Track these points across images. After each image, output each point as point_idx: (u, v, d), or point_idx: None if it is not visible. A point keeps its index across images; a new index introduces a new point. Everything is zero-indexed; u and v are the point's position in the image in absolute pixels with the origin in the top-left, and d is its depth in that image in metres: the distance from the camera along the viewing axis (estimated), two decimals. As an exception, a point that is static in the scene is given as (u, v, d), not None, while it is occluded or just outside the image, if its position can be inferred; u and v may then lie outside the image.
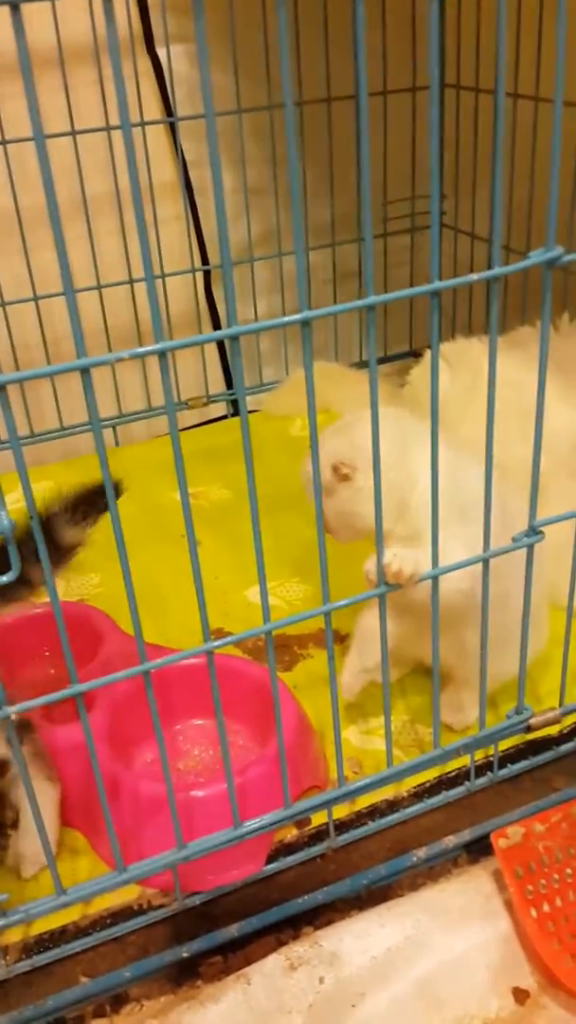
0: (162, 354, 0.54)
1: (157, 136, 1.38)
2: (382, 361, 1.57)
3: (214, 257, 1.45)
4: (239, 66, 1.33)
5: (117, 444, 1.48)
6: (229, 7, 1.29)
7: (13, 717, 0.62)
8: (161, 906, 0.77)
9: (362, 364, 1.55)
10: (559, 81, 0.58)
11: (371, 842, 0.83)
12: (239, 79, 1.34)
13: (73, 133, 1.28)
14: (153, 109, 1.36)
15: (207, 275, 1.47)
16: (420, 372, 1.20)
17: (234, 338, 0.56)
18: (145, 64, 1.34)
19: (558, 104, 0.59)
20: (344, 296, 1.55)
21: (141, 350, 0.54)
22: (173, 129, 1.36)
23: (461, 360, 1.17)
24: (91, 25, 1.25)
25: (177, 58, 1.33)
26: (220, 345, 1.53)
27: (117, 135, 1.30)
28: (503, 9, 0.55)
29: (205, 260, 1.46)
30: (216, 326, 1.52)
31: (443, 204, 1.45)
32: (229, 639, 0.67)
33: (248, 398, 1.53)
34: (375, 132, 1.42)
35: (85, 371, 0.52)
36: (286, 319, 0.57)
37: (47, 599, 0.62)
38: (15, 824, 0.78)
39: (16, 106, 1.24)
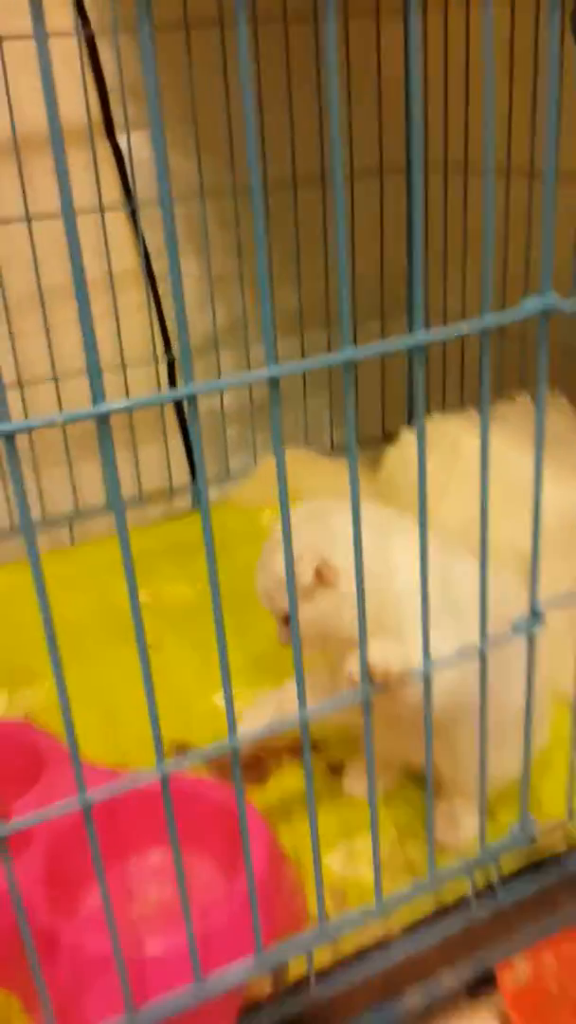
0: (103, 418, 0.46)
1: (118, 224, 1.33)
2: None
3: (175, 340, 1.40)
4: (201, 150, 1.30)
5: (72, 542, 1.39)
6: (190, 89, 1.26)
7: None
8: None
9: (334, 450, 1.48)
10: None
11: (352, 986, 0.71)
12: (202, 164, 1.31)
13: (28, 219, 1.23)
14: (114, 196, 1.32)
15: (171, 368, 1.41)
16: (396, 455, 1.13)
17: (191, 399, 0.48)
18: (105, 151, 1.30)
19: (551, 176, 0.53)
20: (313, 386, 1.49)
21: (76, 413, 0.46)
22: (134, 216, 1.32)
23: (438, 438, 1.10)
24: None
25: (138, 145, 1.30)
26: (185, 435, 1.46)
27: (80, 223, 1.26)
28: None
29: (168, 351, 1.40)
30: (182, 422, 1.45)
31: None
32: (186, 759, 0.57)
33: (214, 489, 1.45)
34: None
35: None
36: (252, 374, 0.49)
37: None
38: None
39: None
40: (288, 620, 0.75)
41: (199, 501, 0.52)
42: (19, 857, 0.72)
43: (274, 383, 0.50)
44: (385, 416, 1.54)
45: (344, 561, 0.72)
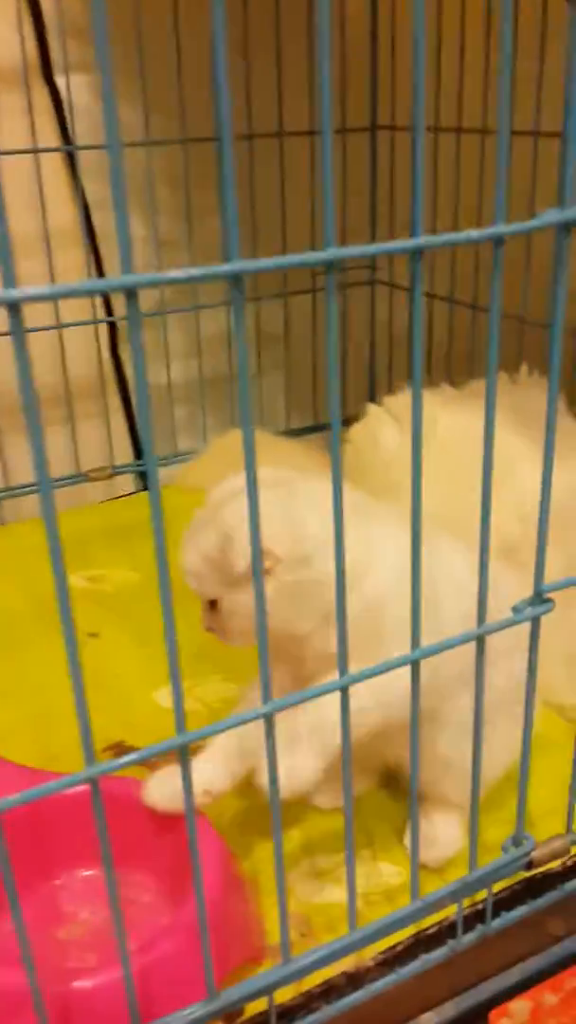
0: (14, 307, 0.35)
1: (55, 175, 1.21)
2: (312, 430, 1.40)
3: (120, 310, 1.28)
4: (149, 101, 1.19)
5: (2, 522, 1.26)
6: (136, 31, 1.15)
7: None
8: None
9: (290, 432, 1.38)
10: None
11: (323, 1026, 0.60)
12: (149, 115, 1.20)
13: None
14: (51, 142, 1.20)
15: (112, 332, 1.30)
16: (363, 430, 1.03)
17: (130, 291, 0.37)
18: (43, 95, 1.18)
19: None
20: (268, 360, 1.39)
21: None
22: (72, 163, 1.20)
23: (409, 413, 1.00)
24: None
25: (78, 88, 1.18)
26: (128, 412, 1.34)
27: (11, 169, 1.14)
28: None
29: (110, 312, 1.28)
30: (124, 391, 1.33)
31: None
32: (126, 759, 0.46)
33: (161, 471, 1.34)
34: (301, 175, 1.28)
35: None
36: (212, 268, 0.39)
37: None
38: None
39: None
40: (215, 604, 0.65)
41: (147, 477, 0.42)
42: None
43: (237, 281, 0.39)
44: (347, 400, 1.44)
45: (286, 546, 0.61)
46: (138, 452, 1.37)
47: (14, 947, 0.62)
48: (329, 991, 0.61)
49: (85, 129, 1.19)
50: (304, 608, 0.62)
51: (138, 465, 1.34)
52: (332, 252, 0.41)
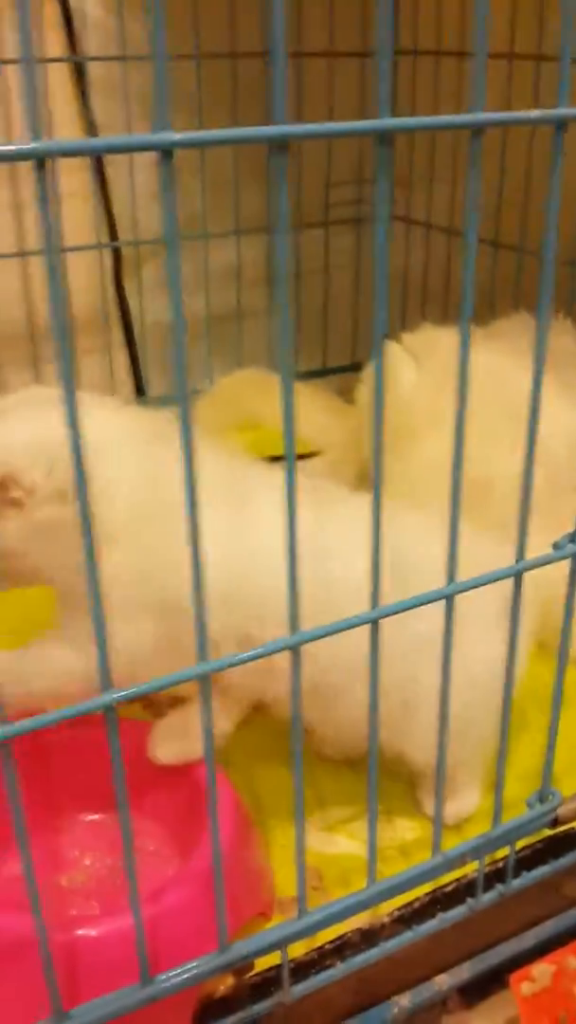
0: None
1: (60, 92, 1.14)
2: (321, 374, 1.35)
3: (125, 235, 1.22)
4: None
5: None
6: None
7: None
8: None
9: (304, 375, 1.33)
10: None
11: (331, 987, 0.58)
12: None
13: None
14: (57, 52, 1.13)
15: (117, 260, 1.24)
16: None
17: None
18: (53, 7, 1.11)
19: None
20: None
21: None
22: (80, 74, 1.13)
23: (429, 353, 0.96)
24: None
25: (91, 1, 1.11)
26: (131, 347, 1.29)
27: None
28: None
29: (115, 238, 1.22)
30: (127, 325, 1.28)
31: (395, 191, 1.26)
32: (144, 686, 0.42)
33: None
34: (319, 99, 1.22)
35: None
36: (254, 130, 0.34)
37: None
38: None
39: None
40: None
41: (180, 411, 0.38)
42: None
43: (281, 147, 0.35)
44: (356, 345, 1.39)
45: (39, 474, 0.53)
46: (139, 388, 1.32)
47: (17, 893, 0.59)
48: (343, 947, 0.59)
49: (94, 46, 1.13)
50: (58, 553, 0.54)
51: (143, 401, 1.29)
52: (383, 122, 0.37)
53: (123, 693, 0.40)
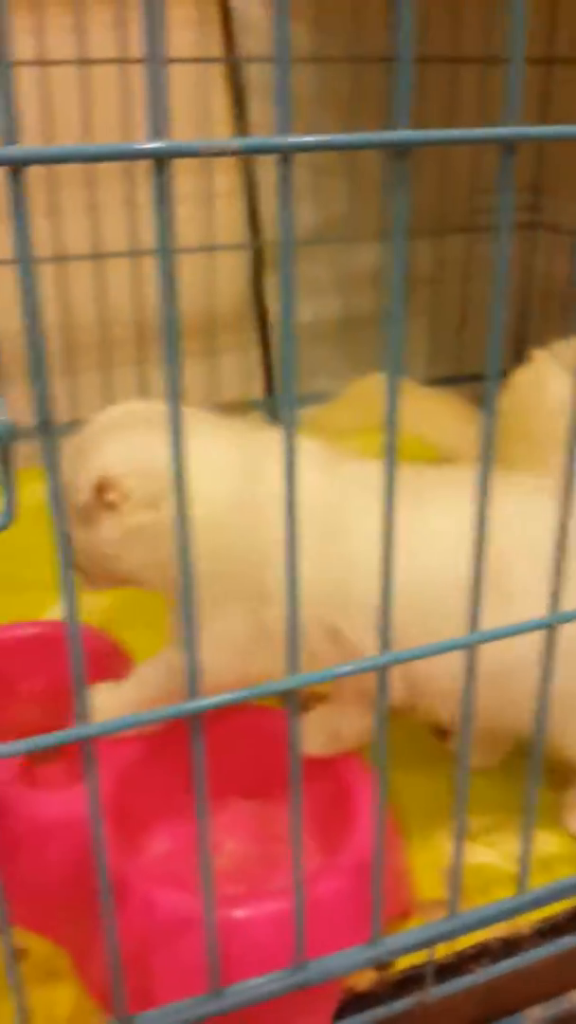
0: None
1: (216, 89, 1.17)
2: (455, 381, 1.35)
3: (267, 234, 1.24)
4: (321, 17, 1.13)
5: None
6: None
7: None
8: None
9: (436, 381, 1.33)
10: None
11: (459, 995, 0.58)
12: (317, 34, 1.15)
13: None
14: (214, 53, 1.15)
15: (257, 259, 1.26)
16: (527, 374, 0.98)
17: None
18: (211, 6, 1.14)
19: None
20: (414, 304, 1.33)
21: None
22: (235, 73, 1.15)
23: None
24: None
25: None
26: (264, 346, 1.31)
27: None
28: None
29: (257, 237, 1.24)
30: (263, 325, 1.30)
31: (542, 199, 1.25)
32: (227, 696, 0.42)
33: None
34: (472, 105, 1.21)
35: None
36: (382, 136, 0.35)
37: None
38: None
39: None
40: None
41: (282, 410, 0.39)
42: (78, 783, 0.59)
43: (402, 154, 0.35)
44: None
45: (134, 481, 0.56)
46: (270, 388, 1.33)
47: (168, 870, 0.61)
48: (482, 954, 0.58)
49: (251, 45, 1.15)
50: (152, 557, 0.57)
51: (271, 401, 1.31)
52: (512, 130, 0.36)
53: (208, 702, 0.41)
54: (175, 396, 0.35)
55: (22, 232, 0.30)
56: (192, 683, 0.41)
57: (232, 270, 1.23)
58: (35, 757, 0.64)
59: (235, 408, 1.26)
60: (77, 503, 0.57)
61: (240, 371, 1.29)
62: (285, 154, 0.34)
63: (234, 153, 0.35)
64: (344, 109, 1.17)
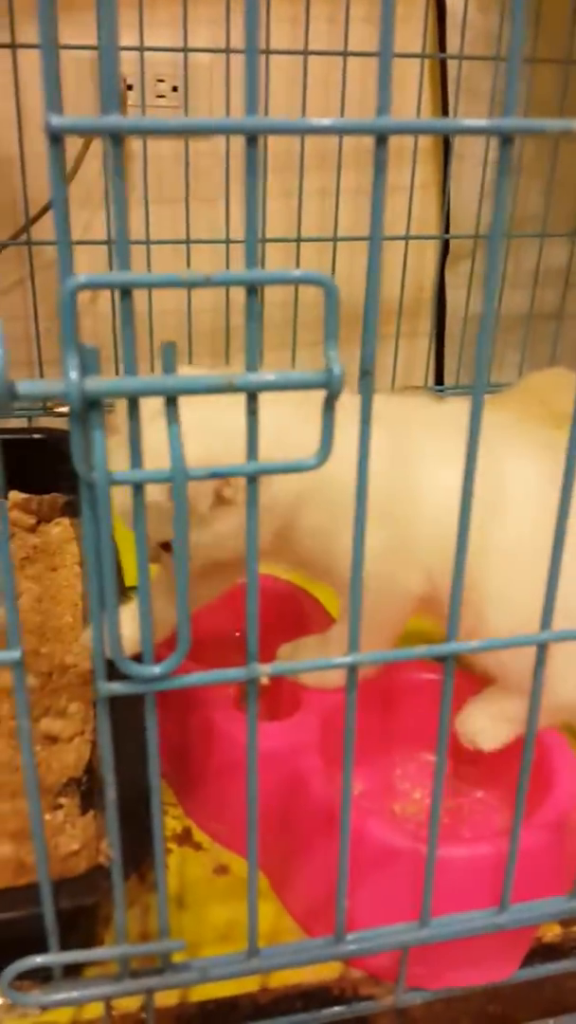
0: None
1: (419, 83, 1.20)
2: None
3: (458, 227, 1.27)
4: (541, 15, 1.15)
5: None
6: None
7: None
8: (369, 997, 0.56)
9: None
10: None
11: None
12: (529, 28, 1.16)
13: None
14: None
15: (445, 251, 1.29)
16: None
17: None
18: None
19: None
20: (591, 304, 1.34)
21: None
22: (444, 76, 1.19)
23: None
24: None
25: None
26: (439, 335, 1.33)
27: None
28: None
29: (446, 230, 1.27)
30: (440, 315, 1.33)
31: None
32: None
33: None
34: None
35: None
36: None
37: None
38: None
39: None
40: (169, 548, 0.58)
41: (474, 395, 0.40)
42: (289, 719, 0.64)
43: None
44: None
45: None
46: (440, 377, 1.36)
47: (369, 807, 0.65)
48: None
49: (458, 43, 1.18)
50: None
51: (438, 389, 1.34)
52: None
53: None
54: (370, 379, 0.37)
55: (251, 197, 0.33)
56: (353, 639, 0.43)
57: (411, 260, 1.26)
58: (243, 694, 0.69)
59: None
60: (197, 509, 0.57)
61: (409, 359, 1.32)
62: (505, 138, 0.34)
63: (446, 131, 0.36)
64: (553, 111, 1.19)
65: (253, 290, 0.33)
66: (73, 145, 1.09)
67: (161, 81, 1.12)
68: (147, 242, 1.12)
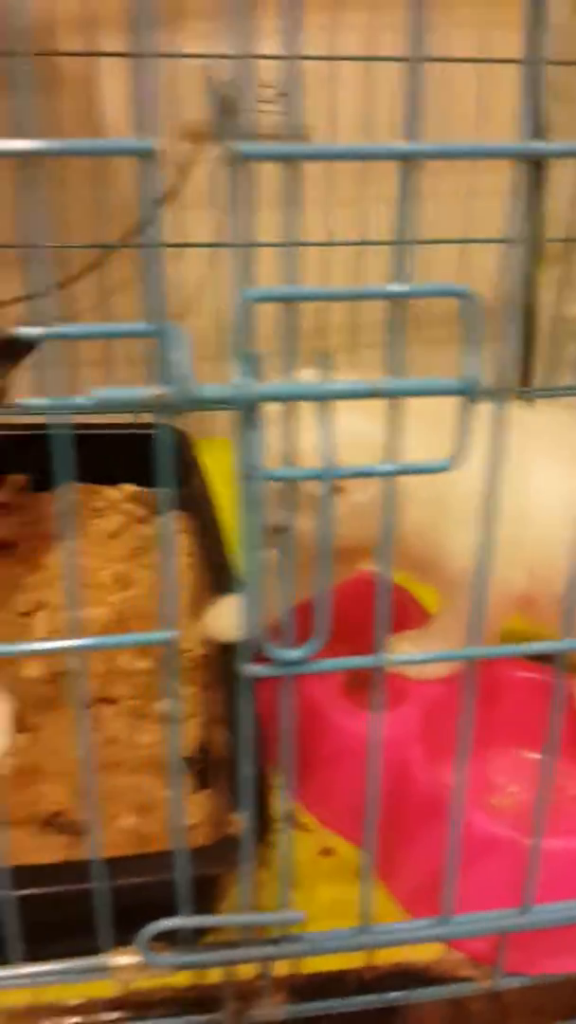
0: None
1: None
2: None
3: (550, 231, 1.27)
4: None
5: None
6: None
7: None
8: (467, 979, 0.58)
9: None
10: None
11: None
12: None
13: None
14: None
15: (535, 252, 1.29)
16: None
17: None
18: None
19: None
20: None
21: None
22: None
23: None
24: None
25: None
26: (527, 336, 1.34)
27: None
28: None
29: (539, 234, 1.28)
30: (529, 317, 1.33)
31: None
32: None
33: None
34: None
35: None
36: None
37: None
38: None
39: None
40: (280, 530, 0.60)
41: None
42: (393, 711, 0.67)
43: None
44: None
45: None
46: (526, 380, 1.37)
47: (473, 797, 0.67)
48: None
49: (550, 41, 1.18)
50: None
51: (522, 390, 1.35)
52: None
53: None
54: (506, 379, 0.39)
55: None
56: (474, 632, 0.45)
57: (501, 262, 1.27)
58: (352, 683, 0.72)
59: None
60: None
61: (492, 360, 1.33)
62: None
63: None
64: None
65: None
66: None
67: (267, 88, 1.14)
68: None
